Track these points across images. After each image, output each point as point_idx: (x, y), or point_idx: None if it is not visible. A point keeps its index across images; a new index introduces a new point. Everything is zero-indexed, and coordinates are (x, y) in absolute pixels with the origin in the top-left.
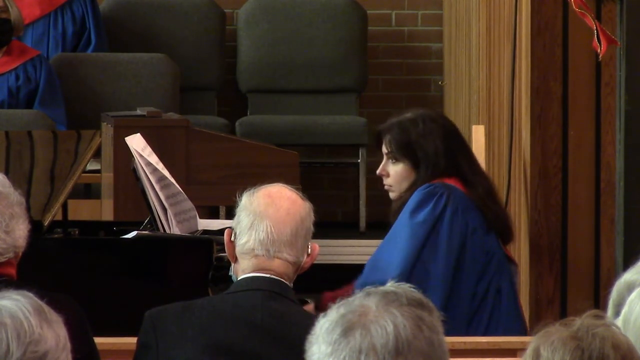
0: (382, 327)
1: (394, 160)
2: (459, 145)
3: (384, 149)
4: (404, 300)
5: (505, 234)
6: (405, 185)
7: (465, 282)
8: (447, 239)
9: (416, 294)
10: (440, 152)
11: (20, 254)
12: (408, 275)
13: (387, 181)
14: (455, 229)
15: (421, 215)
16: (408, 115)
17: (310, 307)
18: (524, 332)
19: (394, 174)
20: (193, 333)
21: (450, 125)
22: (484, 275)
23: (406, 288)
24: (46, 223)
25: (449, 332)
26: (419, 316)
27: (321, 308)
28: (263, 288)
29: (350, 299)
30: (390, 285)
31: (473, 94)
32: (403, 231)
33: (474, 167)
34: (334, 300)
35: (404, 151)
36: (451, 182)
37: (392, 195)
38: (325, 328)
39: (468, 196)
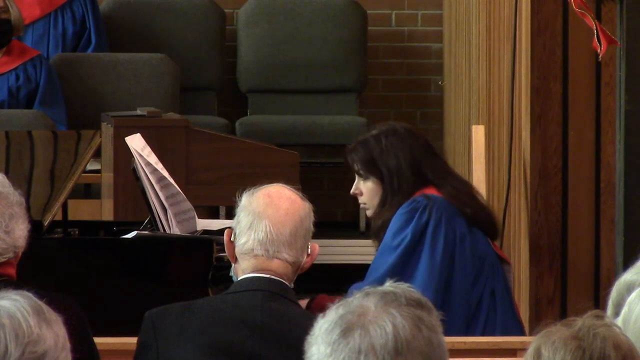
0: (381, 327)
1: (363, 178)
2: (424, 154)
3: (354, 168)
4: (403, 301)
5: (490, 230)
6: (376, 200)
7: (458, 289)
8: (430, 254)
9: (415, 294)
10: (402, 165)
11: (20, 254)
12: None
13: (361, 200)
14: (439, 242)
15: (404, 234)
16: (372, 132)
17: (303, 302)
18: (520, 331)
19: (366, 191)
20: (193, 333)
21: (413, 138)
22: (478, 281)
23: (405, 288)
24: (46, 223)
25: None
26: (418, 316)
27: (313, 308)
28: (263, 288)
29: (349, 300)
30: (389, 286)
31: (473, 94)
32: (386, 253)
33: (442, 172)
34: (327, 301)
35: (369, 168)
36: (430, 191)
37: (368, 213)
38: (325, 329)
39: (450, 202)
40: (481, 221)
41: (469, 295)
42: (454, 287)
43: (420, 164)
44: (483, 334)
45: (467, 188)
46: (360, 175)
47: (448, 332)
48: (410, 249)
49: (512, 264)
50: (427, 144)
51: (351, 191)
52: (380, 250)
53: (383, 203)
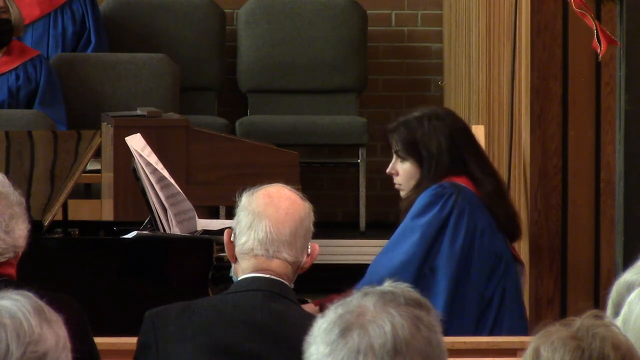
0: (380, 327)
1: (401, 159)
2: (466, 143)
3: (393, 148)
4: (402, 300)
5: (514, 233)
6: (412, 183)
7: (473, 283)
8: (450, 243)
9: (414, 293)
10: (443, 150)
11: (20, 254)
12: (413, 277)
13: (396, 180)
14: (460, 232)
15: (427, 217)
16: (415, 113)
17: (310, 306)
18: (527, 331)
19: (402, 172)
20: (193, 333)
21: (457, 123)
22: (492, 277)
23: (404, 288)
24: (46, 223)
25: (456, 333)
26: (416, 316)
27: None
28: (263, 288)
29: (347, 299)
30: (387, 285)
31: (473, 94)
32: (407, 234)
33: (483, 165)
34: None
35: (409, 149)
36: (460, 180)
37: (402, 194)
38: (323, 328)
39: (478, 196)
40: (509, 225)
41: (483, 290)
42: (470, 280)
43: (461, 151)
44: (491, 332)
45: (503, 188)
46: (398, 156)
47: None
48: (432, 236)
49: (524, 265)
50: (468, 130)
51: (387, 170)
52: (400, 231)
53: (418, 186)
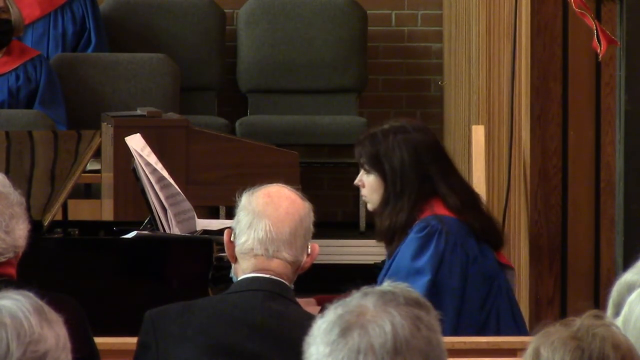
0: (380, 326)
1: (366, 172)
2: (433, 158)
3: (358, 160)
4: (402, 300)
5: (496, 241)
6: (376, 197)
7: (469, 311)
8: (449, 276)
9: (413, 293)
10: (406, 165)
11: (20, 254)
12: None
13: (362, 192)
14: (455, 264)
15: (424, 259)
16: (384, 126)
17: (310, 300)
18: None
19: (367, 185)
20: (193, 333)
21: (425, 138)
22: (486, 302)
23: (403, 287)
24: (46, 223)
25: None
26: (416, 315)
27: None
28: (263, 288)
29: (347, 299)
30: (387, 285)
31: (473, 94)
32: (409, 276)
33: (448, 178)
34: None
35: (373, 163)
36: (438, 208)
37: (369, 206)
38: (323, 329)
39: (460, 221)
40: (489, 234)
41: (477, 317)
42: (465, 310)
43: (425, 166)
44: None
45: (473, 199)
46: (364, 169)
47: None
48: (433, 278)
49: (515, 269)
50: (435, 143)
51: (355, 181)
52: (403, 274)
53: (386, 202)
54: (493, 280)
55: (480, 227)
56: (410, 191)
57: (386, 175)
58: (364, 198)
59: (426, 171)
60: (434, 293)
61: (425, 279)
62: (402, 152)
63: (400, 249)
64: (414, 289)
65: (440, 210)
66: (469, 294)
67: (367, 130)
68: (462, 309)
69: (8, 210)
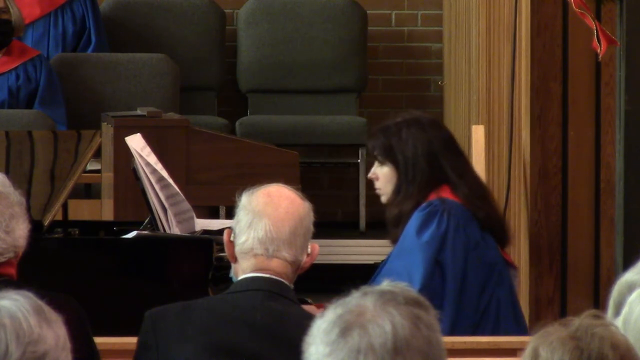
0: (380, 326)
1: (380, 164)
2: (445, 151)
3: (372, 153)
4: (401, 300)
5: (501, 236)
6: (390, 188)
7: (469, 296)
8: (452, 258)
9: (413, 292)
10: (419, 156)
11: (20, 254)
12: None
13: (376, 184)
14: (458, 246)
15: (427, 235)
16: (396, 119)
17: (312, 308)
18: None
19: (381, 176)
20: (193, 333)
21: (438, 132)
22: (486, 288)
23: (403, 287)
24: (46, 223)
25: None
26: (416, 315)
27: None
28: (263, 288)
29: (346, 299)
30: (386, 285)
31: (473, 94)
32: (414, 251)
33: (460, 170)
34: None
35: (386, 154)
36: (444, 193)
37: (383, 199)
38: (323, 329)
39: (465, 207)
40: (493, 226)
41: (477, 302)
42: (465, 294)
43: (438, 157)
44: None
45: (483, 190)
46: (378, 161)
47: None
48: (434, 256)
49: (518, 269)
50: (449, 138)
51: (368, 175)
52: (406, 249)
53: (397, 191)
54: (494, 267)
55: (484, 216)
56: (421, 179)
57: (399, 164)
58: (378, 191)
59: (438, 162)
60: (437, 270)
61: (428, 253)
62: (416, 142)
63: (405, 228)
64: (419, 263)
65: (446, 194)
66: (469, 278)
67: (379, 124)
68: (463, 290)
69: (8, 210)
